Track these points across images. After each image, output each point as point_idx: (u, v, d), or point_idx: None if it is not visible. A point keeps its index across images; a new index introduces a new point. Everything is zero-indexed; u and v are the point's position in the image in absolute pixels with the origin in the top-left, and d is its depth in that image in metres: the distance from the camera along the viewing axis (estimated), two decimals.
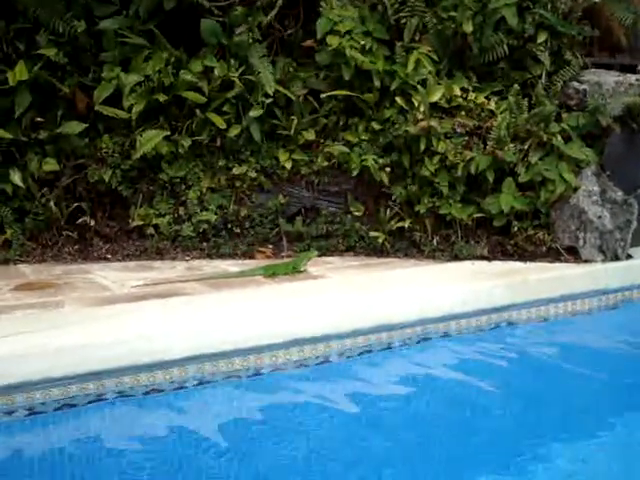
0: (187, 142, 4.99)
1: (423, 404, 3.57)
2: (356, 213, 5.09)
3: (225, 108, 5.02)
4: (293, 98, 5.06)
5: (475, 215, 4.90)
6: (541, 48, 5.02)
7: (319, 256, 4.94)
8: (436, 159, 4.87)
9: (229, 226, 5.10)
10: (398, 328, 3.95)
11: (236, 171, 5.07)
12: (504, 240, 4.89)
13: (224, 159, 5.12)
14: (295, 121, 5.06)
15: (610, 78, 5.05)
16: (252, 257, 5.03)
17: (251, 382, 3.53)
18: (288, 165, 5.10)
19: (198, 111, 4.98)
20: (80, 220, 5.04)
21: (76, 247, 5.06)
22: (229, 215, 5.08)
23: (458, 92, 4.97)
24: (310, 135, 5.11)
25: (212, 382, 3.46)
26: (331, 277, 4.48)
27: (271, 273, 4.49)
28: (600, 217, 4.74)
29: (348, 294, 4.09)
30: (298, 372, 3.64)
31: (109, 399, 3.27)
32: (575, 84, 5.01)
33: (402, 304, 4.08)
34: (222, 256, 5.02)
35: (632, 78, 5.11)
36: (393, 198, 5.02)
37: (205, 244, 5.08)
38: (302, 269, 4.56)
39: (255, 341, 3.58)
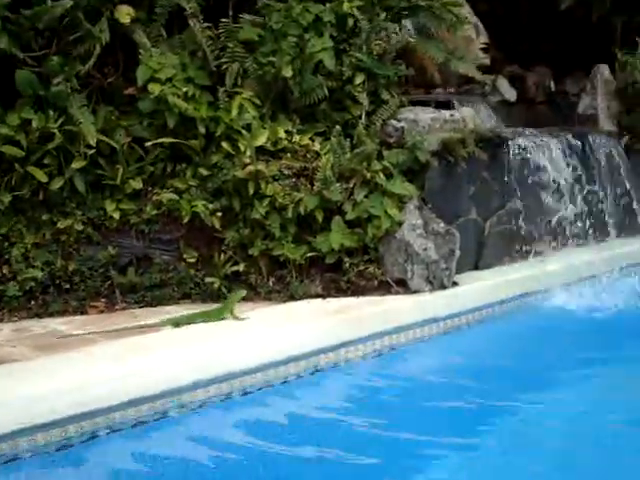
0: (7, 198, 4.77)
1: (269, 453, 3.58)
2: (190, 260, 5.04)
3: (46, 160, 4.84)
4: (117, 147, 4.96)
5: (308, 254, 4.98)
6: (359, 89, 5.20)
7: (154, 306, 4.87)
8: (266, 202, 4.92)
9: (57, 282, 4.90)
10: (239, 377, 3.94)
11: (61, 225, 4.89)
12: (337, 277, 5.00)
13: (48, 213, 4.93)
14: (121, 170, 4.96)
15: (426, 115, 5.31)
16: (84, 312, 4.86)
17: (85, 447, 3.41)
18: (116, 215, 4.98)
19: (17, 165, 4.77)
20: None
21: None
22: (57, 271, 4.89)
23: (283, 135, 5.06)
24: (137, 183, 5.02)
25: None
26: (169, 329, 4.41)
27: (200, 320, 4.47)
28: (425, 249, 4.94)
29: (187, 347, 4.04)
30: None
31: None
32: (394, 122, 5.22)
33: (241, 352, 4.08)
34: (52, 314, 4.81)
35: (447, 114, 5.39)
36: (226, 242, 5.01)
37: (33, 303, 4.86)
38: (228, 314, 4.54)
39: (87, 406, 3.46)
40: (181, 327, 4.40)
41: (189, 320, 4.48)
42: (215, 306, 4.73)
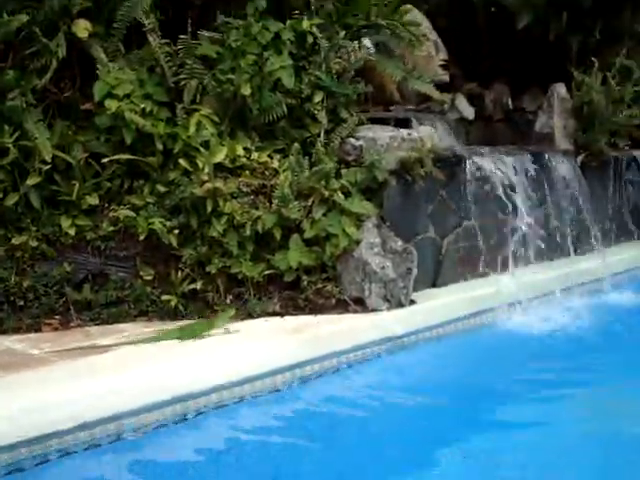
0: None
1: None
2: (146, 277, 4.99)
3: (0, 176, 4.79)
4: (73, 163, 4.91)
5: (266, 272, 4.97)
6: (318, 107, 5.21)
7: (109, 324, 4.83)
8: (224, 219, 4.90)
9: (11, 299, 4.83)
10: (195, 398, 3.91)
11: (16, 241, 4.82)
12: (295, 295, 4.99)
13: (2, 229, 4.85)
14: (77, 186, 4.91)
15: (384, 134, 5.33)
16: (39, 330, 4.79)
17: (38, 471, 3.35)
18: (72, 231, 4.92)
19: None
20: None
21: None
22: (11, 288, 4.81)
23: (241, 152, 5.04)
24: (93, 200, 4.97)
25: None
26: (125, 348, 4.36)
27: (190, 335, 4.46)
28: (383, 267, 4.96)
29: (144, 367, 4.01)
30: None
31: None
32: (352, 141, 5.24)
33: (197, 372, 4.05)
34: (5, 332, 4.73)
35: (405, 133, 5.42)
36: (183, 260, 4.97)
37: None
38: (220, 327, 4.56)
39: (40, 430, 3.40)
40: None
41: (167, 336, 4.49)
42: (175, 324, 4.72)
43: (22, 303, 4.86)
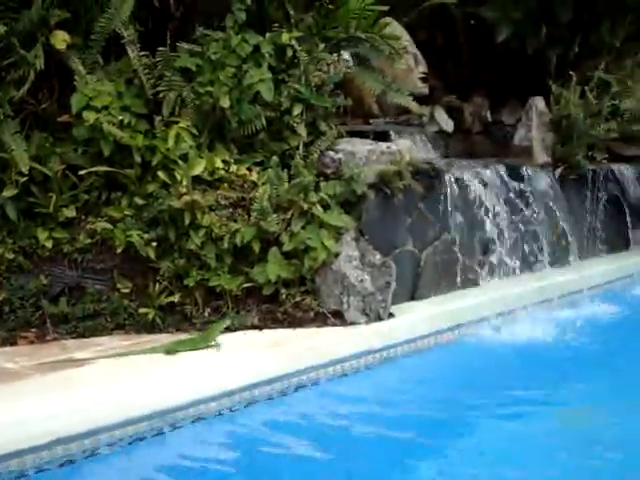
0: None
1: None
2: (124, 290, 4.96)
3: None
4: (50, 174, 4.88)
5: (244, 285, 4.95)
6: (297, 120, 5.21)
7: (86, 337, 4.79)
8: (202, 232, 4.88)
9: None
10: (171, 412, 3.89)
11: None
12: (274, 308, 4.97)
13: None
14: (54, 198, 4.88)
15: (363, 147, 5.34)
16: (14, 343, 4.74)
17: None
18: (48, 244, 4.89)
19: None
20: None
21: None
22: None
23: (220, 164, 5.03)
24: (71, 212, 4.94)
25: None
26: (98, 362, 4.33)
27: (181, 349, 4.43)
28: (361, 280, 4.96)
29: (117, 382, 3.97)
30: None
31: None
32: (331, 153, 5.24)
33: (174, 386, 4.03)
34: None
35: (383, 146, 5.44)
36: (161, 273, 4.94)
37: None
38: (213, 342, 4.51)
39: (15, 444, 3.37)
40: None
41: (172, 348, 4.45)
42: (151, 337, 4.71)
43: None
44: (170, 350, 4.42)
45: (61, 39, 4.88)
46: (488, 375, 4.88)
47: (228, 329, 4.84)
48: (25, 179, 4.78)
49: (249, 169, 5.12)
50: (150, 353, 4.40)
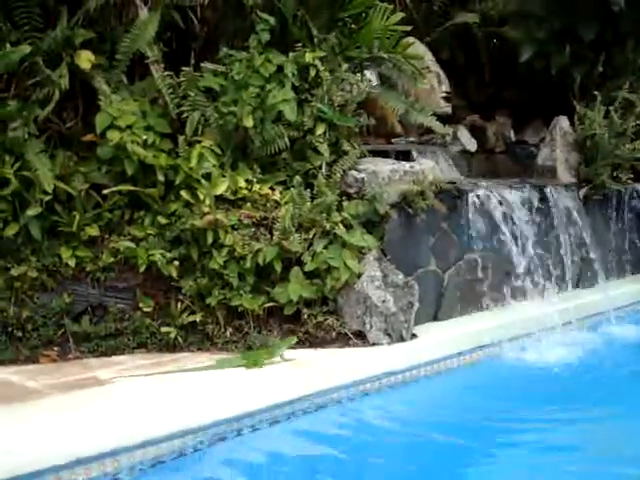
0: None
1: None
2: (146, 309, 4.96)
3: (0, 206, 4.77)
4: (74, 193, 4.90)
5: (266, 305, 4.93)
6: (320, 139, 5.21)
7: (108, 356, 4.79)
8: (224, 251, 4.88)
9: (10, 330, 4.79)
10: (192, 433, 3.87)
11: (15, 272, 4.79)
12: (295, 328, 4.95)
13: (2, 259, 4.83)
14: (77, 217, 4.89)
15: (386, 167, 5.32)
16: (36, 361, 4.74)
17: None
18: (72, 262, 4.90)
19: None
20: None
21: None
22: (9, 318, 4.78)
23: (243, 184, 5.03)
24: (94, 230, 4.95)
25: None
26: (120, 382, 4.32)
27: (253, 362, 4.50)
28: (384, 301, 4.92)
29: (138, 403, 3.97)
30: None
31: None
32: (354, 173, 5.23)
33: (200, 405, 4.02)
34: (2, 363, 4.70)
35: (406, 166, 5.42)
36: (183, 292, 4.94)
37: None
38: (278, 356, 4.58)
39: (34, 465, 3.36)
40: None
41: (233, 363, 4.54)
42: (173, 356, 4.71)
43: (20, 334, 4.82)
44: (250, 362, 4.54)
45: (86, 59, 4.92)
46: (513, 396, 4.81)
47: (250, 349, 4.84)
48: (49, 198, 4.79)
49: (272, 188, 5.12)
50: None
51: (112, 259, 4.95)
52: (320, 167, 5.23)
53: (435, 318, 5.55)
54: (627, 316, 6.41)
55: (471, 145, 7.16)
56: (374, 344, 4.90)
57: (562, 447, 4.13)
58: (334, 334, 4.93)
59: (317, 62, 5.28)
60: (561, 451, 4.08)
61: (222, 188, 4.95)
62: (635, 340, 5.96)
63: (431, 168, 5.52)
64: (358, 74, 5.64)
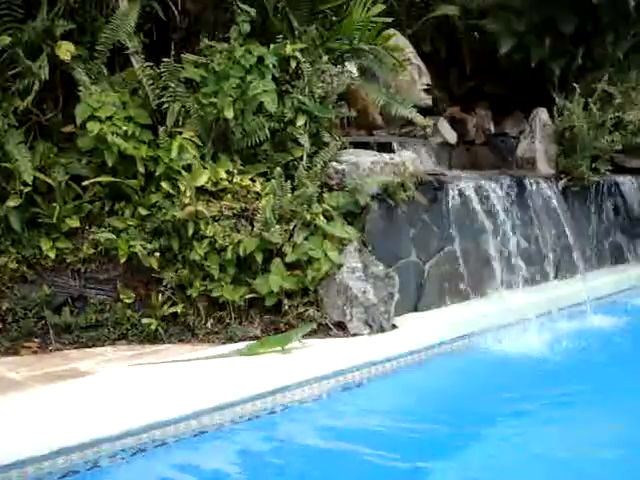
0: None
1: None
2: (127, 300, 4.96)
3: None
4: (54, 185, 4.89)
5: (247, 296, 4.95)
6: (301, 131, 5.22)
7: (89, 347, 4.79)
8: (205, 243, 4.88)
9: None
10: (173, 424, 3.88)
11: None
12: (276, 319, 4.97)
13: None
14: (57, 208, 4.89)
15: (367, 158, 5.34)
16: (17, 353, 4.75)
17: None
18: (52, 254, 4.90)
19: None
20: None
21: None
22: None
23: (224, 175, 5.04)
24: (74, 222, 4.95)
25: None
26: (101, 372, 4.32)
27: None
28: (364, 292, 4.95)
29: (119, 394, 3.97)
30: None
31: None
32: (335, 165, 5.25)
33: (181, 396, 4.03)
34: None
35: (387, 157, 5.44)
36: (164, 283, 4.95)
37: None
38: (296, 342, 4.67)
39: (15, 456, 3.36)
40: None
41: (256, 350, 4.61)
42: (154, 347, 4.70)
43: (0, 326, 4.82)
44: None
45: (66, 50, 4.89)
46: (492, 386, 4.84)
47: (231, 340, 4.86)
48: (29, 189, 4.79)
49: (253, 180, 5.13)
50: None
51: (92, 250, 4.95)
52: (301, 158, 5.23)
53: (416, 309, 5.59)
54: (605, 306, 6.47)
55: (451, 137, 7.19)
56: (355, 335, 4.93)
57: (541, 434, 4.18)
58: (315, 325, 4.94)
59: (298, 54, 5.29)
60: (539, 438, 4.12)
61: (203, 179, 4.95)
62: (613, 329, 6.02)
63: (412, 160, 5.54)
64: (339, 66, 5.65)
